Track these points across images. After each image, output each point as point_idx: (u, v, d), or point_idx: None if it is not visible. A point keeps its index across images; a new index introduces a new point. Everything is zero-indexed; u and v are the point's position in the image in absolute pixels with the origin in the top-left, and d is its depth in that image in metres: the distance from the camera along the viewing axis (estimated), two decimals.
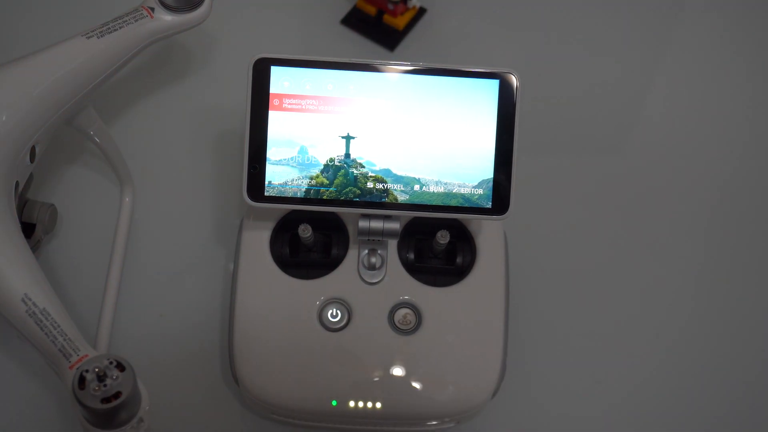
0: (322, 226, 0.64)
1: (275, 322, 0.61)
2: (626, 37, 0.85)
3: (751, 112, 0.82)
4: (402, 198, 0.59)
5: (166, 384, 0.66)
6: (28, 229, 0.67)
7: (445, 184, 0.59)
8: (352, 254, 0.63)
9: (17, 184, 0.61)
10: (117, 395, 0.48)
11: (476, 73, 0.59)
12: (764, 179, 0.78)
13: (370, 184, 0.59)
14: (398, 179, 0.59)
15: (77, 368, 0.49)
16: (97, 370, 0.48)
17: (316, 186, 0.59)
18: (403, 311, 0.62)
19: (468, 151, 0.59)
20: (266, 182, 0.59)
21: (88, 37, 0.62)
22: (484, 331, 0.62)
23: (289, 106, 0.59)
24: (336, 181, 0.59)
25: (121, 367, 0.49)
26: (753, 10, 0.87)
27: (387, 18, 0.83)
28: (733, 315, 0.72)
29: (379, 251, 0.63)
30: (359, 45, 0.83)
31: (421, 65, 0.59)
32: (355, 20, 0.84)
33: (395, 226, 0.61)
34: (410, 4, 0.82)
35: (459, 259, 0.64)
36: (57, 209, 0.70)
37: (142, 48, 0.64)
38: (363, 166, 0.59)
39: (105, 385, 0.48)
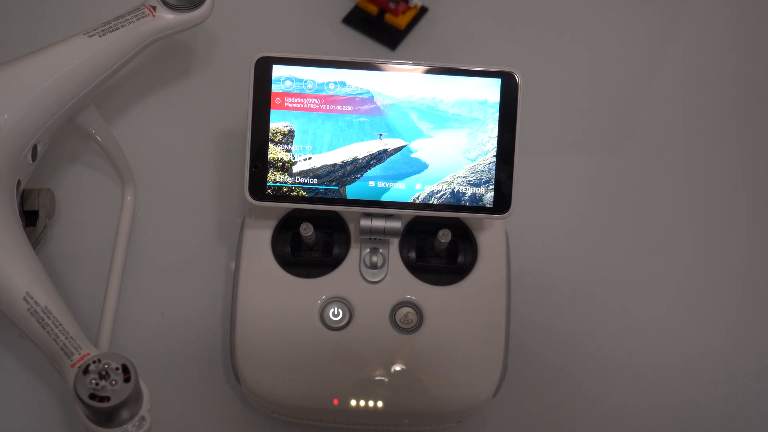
0: (323, 225, 0.64)
1: (277, 320, 0.61)
2: (628, 36, 0.85)
3: (750, 112, 0.82)
4: (403, 197, 0.59)
5: (168, 382, 0.66)
6: (31, 218, 0.67)
7: (447, 182, 0.59)
8: (353, 253, 0.63)
9: (19, 182, 0.61)
10: (107, 399, 0.48)
11: (478, 72, 0.59)
12: (765, 179, 0.78)
13: (371, 183, 0.59)
14: (400, 177, 0.59)
15: (89, 357, 0.49)
16: (106, 366, 0.48)
17: (317, 185, 0.59)
18: (404, 310, 0.62)
19: (470, 150, 0.59)
20: (268, 181, 0.59)
21: (90, 36, 0.62)
22: (485, 331, 0.62)
23: (291, 105, 0.59)
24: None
25: (126, 374, 0.49)
26: (754, 13, 0.87)
27: (388, 17, 0.83)
28: (735, 317, 0.72)
29: (380, 250, 0.63)
30: (361, 44, 0.83)
31: (422, 64, 0.59)
32: (356, 19, 0.84)
33: (397, 225, 0.61)
34: (411, 4, 0.82)
35: (460, 258, 0.64)
36: (54, 192, 0.70)
37: (143, 47, 0.64)
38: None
39: (99, 385, 0.48)
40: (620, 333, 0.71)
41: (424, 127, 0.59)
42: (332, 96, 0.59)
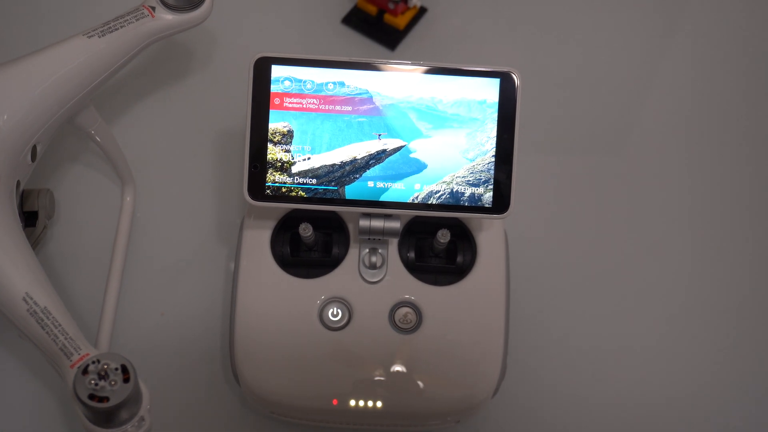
0: (322, 225, 0.64)
1: (276, 321, 0.61)
2: (627, 36, 0.85)
3: (750, 112, 0.82)
4: (402, 197, 0.59)
5: (167, 382, 0.66)
6: (31, 218, 0.67)
7: (446, 182, 0.59)
8: (352, 253, 0.63)
9: (19, 183, 0.61)
10: (106, 399, 0.48)
11: (477, 72, 0.59)
12: (764, 178, 0.78)
13: (370, 183, 0.59)
14: (399, 177, 0.59)
15: (88, 357, 0.49)
16: (105, 366, 0.49)
17: (316, 185, 0.59)
18: (403, 310, 0.62)
19: (469, 150, 0.59)
20: (267, 181, 0.59)
21: (89, 37, 0.62)
22: (484, 330, 0.62)
23: (290, 105, 0.59)
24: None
25: (126, 374, 0.49)
26: (754, 13, 0.87)
27: (388, 17, 0.83)
28: (733, 316, 0.72)
29: (379, 250, 0.63)
30: (360, 44, 0.83)
31: (421, 64, 0.59)
32: (355, 20, 0.84)
33: (396, 225, 0.61)
34: (411, 4, 0.82)
35: (459, 258, 0.64)
36: (53, 193, 0.70)
37: (143, 47, 0.64)
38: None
39: (98, 385, 0.48)
40: (620, 332, 0.71)
41: (423, 127, 0.59)
42: (331, 96, 0.59)
